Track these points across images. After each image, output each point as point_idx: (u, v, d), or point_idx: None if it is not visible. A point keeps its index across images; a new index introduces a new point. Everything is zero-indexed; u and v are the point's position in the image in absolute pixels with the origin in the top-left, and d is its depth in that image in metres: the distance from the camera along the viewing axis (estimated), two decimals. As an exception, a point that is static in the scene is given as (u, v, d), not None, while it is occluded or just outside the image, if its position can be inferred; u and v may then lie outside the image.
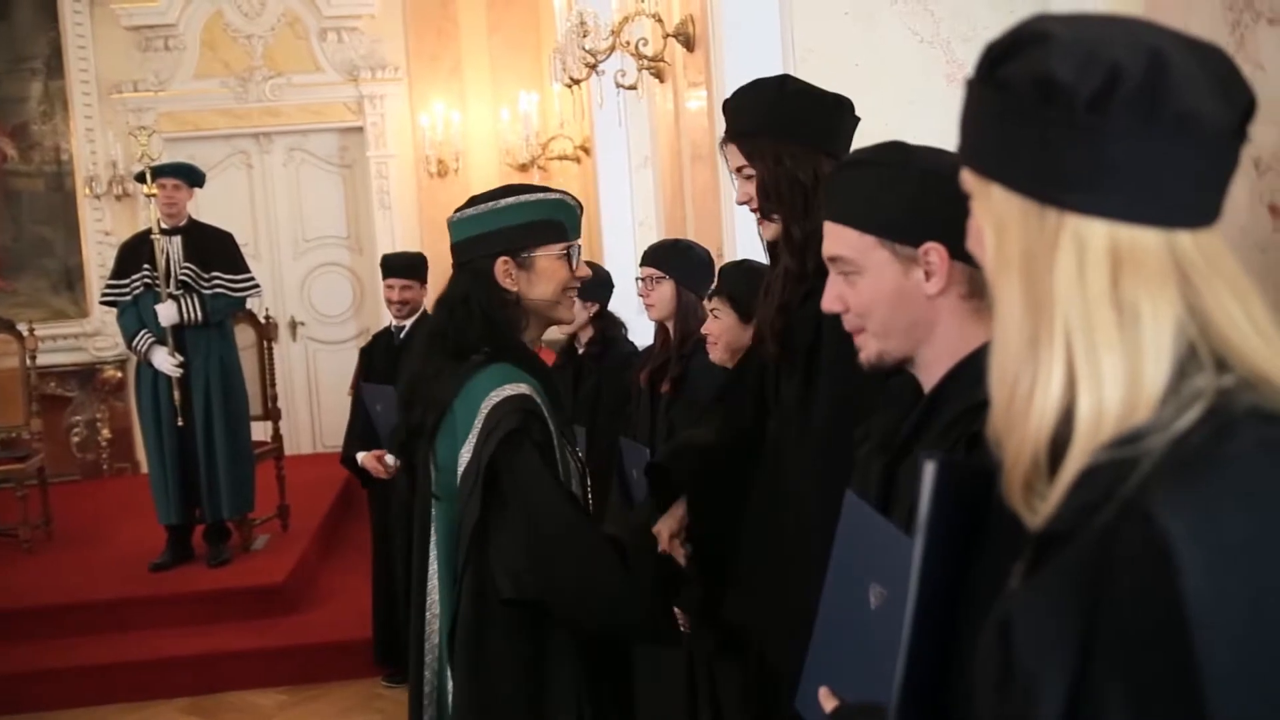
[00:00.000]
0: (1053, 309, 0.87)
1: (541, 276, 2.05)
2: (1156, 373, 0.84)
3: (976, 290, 1.26)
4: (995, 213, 0.91)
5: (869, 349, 1.37)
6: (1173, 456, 0.81)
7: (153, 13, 7.73)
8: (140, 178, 5.45)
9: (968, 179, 0.95)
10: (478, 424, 1.93)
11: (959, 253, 1.22)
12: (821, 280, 1.92)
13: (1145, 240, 0.86)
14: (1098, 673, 0.79)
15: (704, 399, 3.05)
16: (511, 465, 1.90)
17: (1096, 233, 0.86)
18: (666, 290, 3.23)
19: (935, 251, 1.28)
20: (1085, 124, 0.85)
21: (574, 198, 2.12)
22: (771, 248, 2.11)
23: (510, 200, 2.05)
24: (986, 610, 0.91)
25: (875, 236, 1.34)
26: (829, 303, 1.40)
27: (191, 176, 5.50)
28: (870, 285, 1.35)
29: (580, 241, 2.11)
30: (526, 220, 2.03)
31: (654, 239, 4.71)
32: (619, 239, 6.23)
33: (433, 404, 2.00)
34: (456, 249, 2.10)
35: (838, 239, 1.38)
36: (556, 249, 2.05)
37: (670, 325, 3.28)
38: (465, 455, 1.93)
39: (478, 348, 2.01)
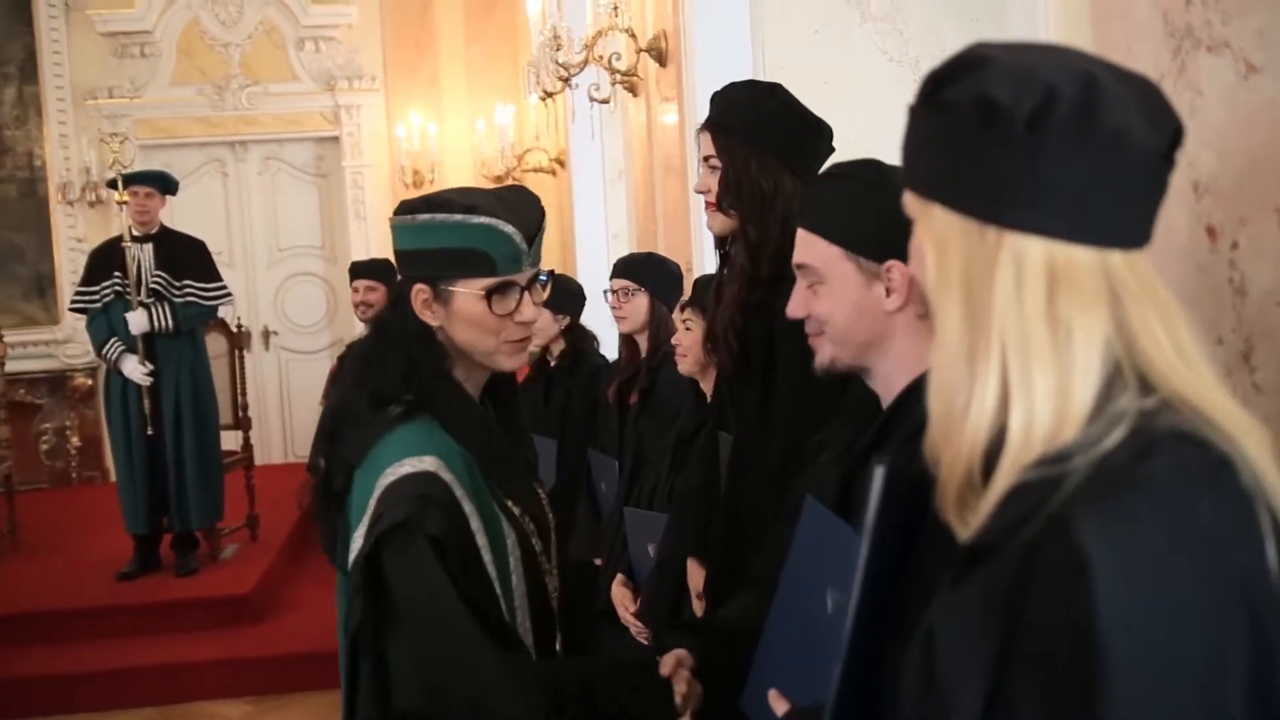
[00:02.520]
0: (990, 324, 0.88)
1: (459, 317, 1.63)
2: (1085, 391, 0.86)
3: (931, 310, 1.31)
4: (936, 232, 0.93)
5: (824, 353, 1.43)
6: (1095, 475, 0.83)
7: (129, 19, 7.73)
8: (112, 185, 5.44)
9: (910, 202, 0.97)
10: (371, 505, 1.54)
11: None
12: (773, 290, 1.97)
13: (1081, 259, 0.88)
14: (1012, 682, 0.81)
15: (671, 411, 3.08)
16: (398, 567, 1.50)
17: (1034, 250, 0.88)
18: (641, 303, 3.25)
19: (898, 270, 1.33)
20: (1023, 143, 0.87)
21: (521, 219, 1.63)
22: (720, 242, 2.15)
23: (424, 218, 1.62)
24: (918, 617, 0.93)
25: (842, 249, 1.39)
26: (793, 308, 1.45)
27: (164, 184, 5.49)
28: (832, 295, 1.40)
29: (529, 274, 1.65)
30: (441, 246, 1.61)
31: (626, 252, 4.74)
32: (592, 252, 6.25)
33: (341, 465, 1.62)
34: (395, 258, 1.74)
35: (807, 247, 1.43)
36: (477, 286, 1.61)
37: (643, 338, 3.30)
38: (357, 542, 1.55)
39: (398, 394, 1.62)
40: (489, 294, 1.61)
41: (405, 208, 1.66)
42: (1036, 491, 0.84)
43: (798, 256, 1.45)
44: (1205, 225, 1.49)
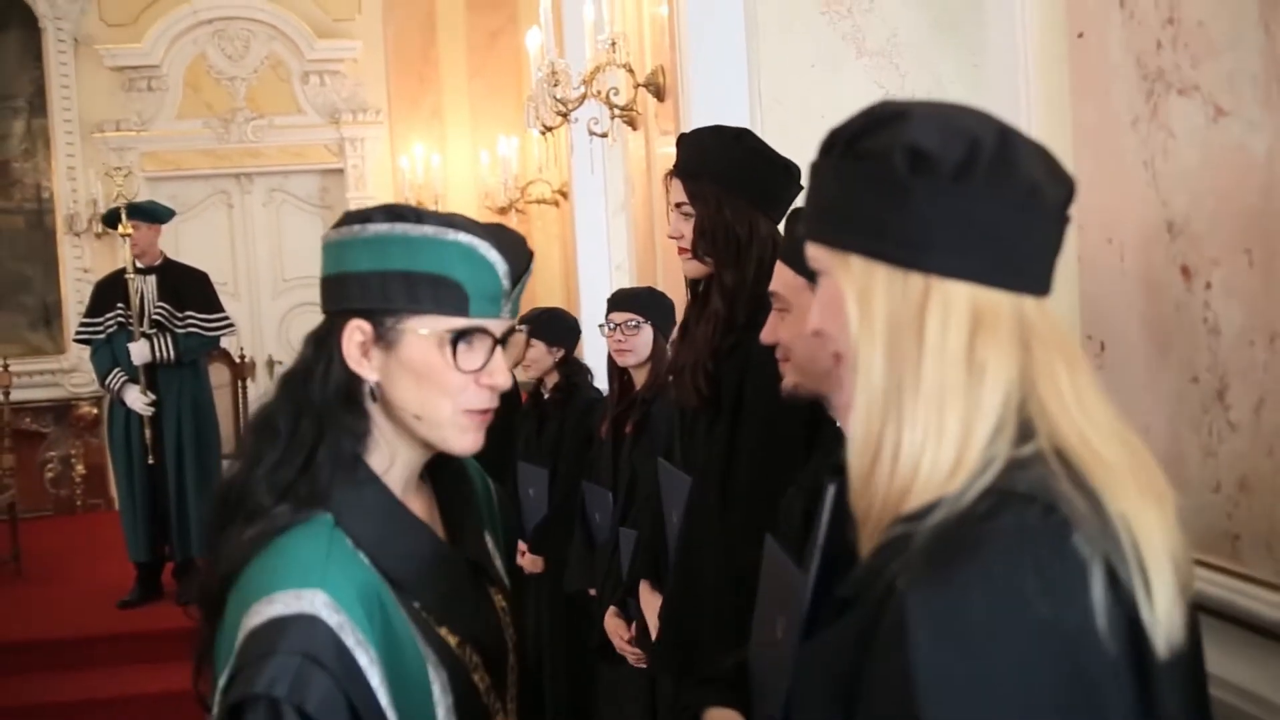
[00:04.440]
0: (919, 371, 0.89)
1: (407, 368, 1.21)
2: (981, 435, 0.88)
3: None
4: (856, 282, 0.93)
5: (789, 379, 1.50)
6: (938, 536, 0.84)
7: (136, 54, 7.83)
8: (106, 220, 5.50)
9: (819, 255, 0.97)
10: (236, 648, 1.13)
11: None
12: (747, 334, 2.00)
13: (1001, 303, 0.91)
14: None
15: (666, 442, 3.09)
16: None
17: (959, 294, 0.90)
18: (648, 335, 3.26)
19: None
20: (950, 190, 0.90)
21: (509, 253, 1.23)
22: (693, 286, 2.18)
23: (379, 229, 1.20)
24: None
25: (805, 279, 1.45)
26: (765, 334, 1.52)
27: (151, 215, 5.53)
28: (794, 324, 1.47)
29: (505, 324, 1.25)
30: (398, 268, 1.19)
31: (629, 284, 4.78)
32: (595, 284, 6.28)
33: (220, 573, 1.22)
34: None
35: (779, 276, 1.51)
36: (441, 326, 1.20)
37: (644, 370, 3.31)
38: (218, 692, 1.15)
39: (294, 484, 1.20)
40: (456, 339, 1.20)
41: (353, 217, 1.24)
42: (895, 548, 0.86)
43: (771, 284, 1.53)
44: (1180, 265, 1.51)
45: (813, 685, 0.87)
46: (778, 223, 2.12)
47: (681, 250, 2.14)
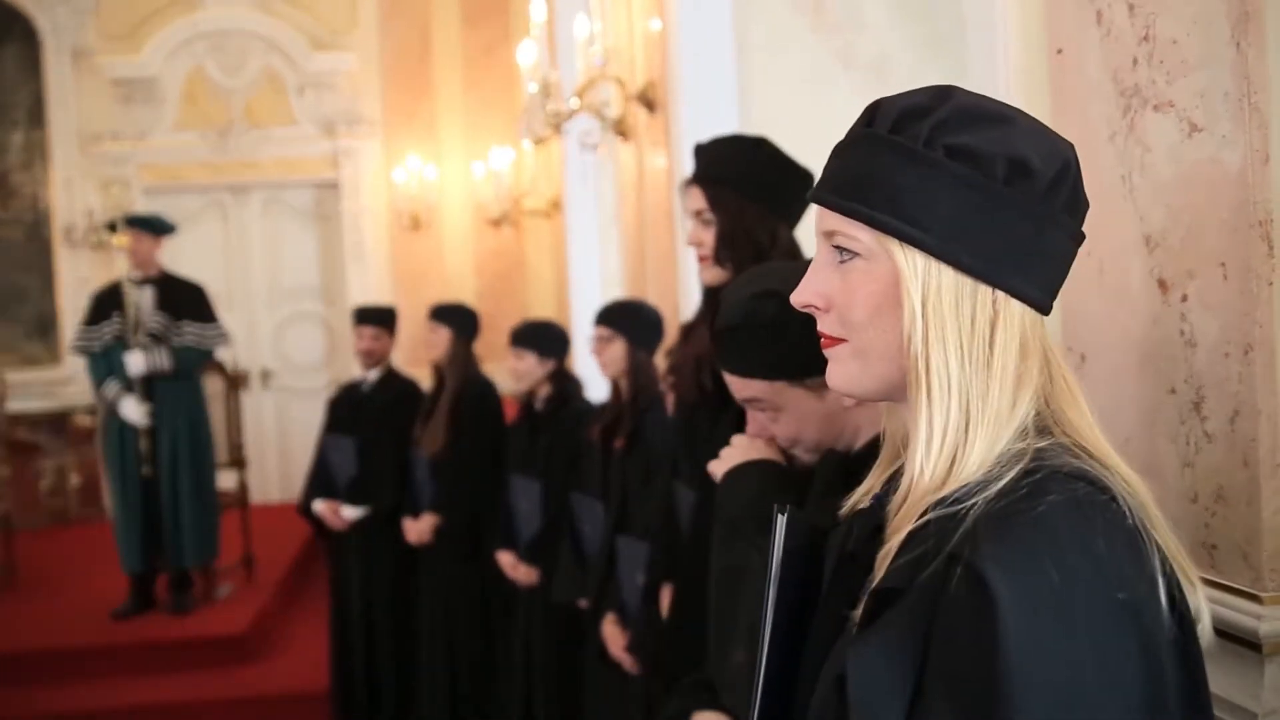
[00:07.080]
0: (987, 384, 0.90)
1: None
2: (1007, 438, 0.90)
3: None
4: (920, 277, 0.90)
5: (799, 458, 1.59)
6: (993, 514, 0.86)
7: (134, 66, 7.86)
8: (110, 228, 5.53)
9: (862, 238, 0.93)
10: None
11: None
12: None
13: (1038, 325, 0.93)
14: (928, 710, 0.85)
15: (658, 455, 3.11)
16: None
17: (1016, 315, 0.91)
18: (618, 349, 3.29)
19: None
20: (1037, 210, 0.90)
21: None
22: (710, 293, 2.18)
23: None
24: (824, 650, 0.97)
25: (786, 381, 1.51)
26: (754, 431, 1.62)
27: (152, 227, 5.54)
28: (791, 421, 1.54)
29: None
30: None
31: (621, 295, 4.80)
32: (588, 295, 6.31)
33: None
34: None
35: (747, 386, 1.57)
36: None
37: (623, 383, 3.34)
38: None
39: None
40: None
41: None
42: (936, 532, 0.87)
43: (739, 392, 1.58)
44: (1157, 278, 1.53)
45: (870, 680, 0.87)
46: (793, 228, 2.13)
47: (702, 258, 2.13)
